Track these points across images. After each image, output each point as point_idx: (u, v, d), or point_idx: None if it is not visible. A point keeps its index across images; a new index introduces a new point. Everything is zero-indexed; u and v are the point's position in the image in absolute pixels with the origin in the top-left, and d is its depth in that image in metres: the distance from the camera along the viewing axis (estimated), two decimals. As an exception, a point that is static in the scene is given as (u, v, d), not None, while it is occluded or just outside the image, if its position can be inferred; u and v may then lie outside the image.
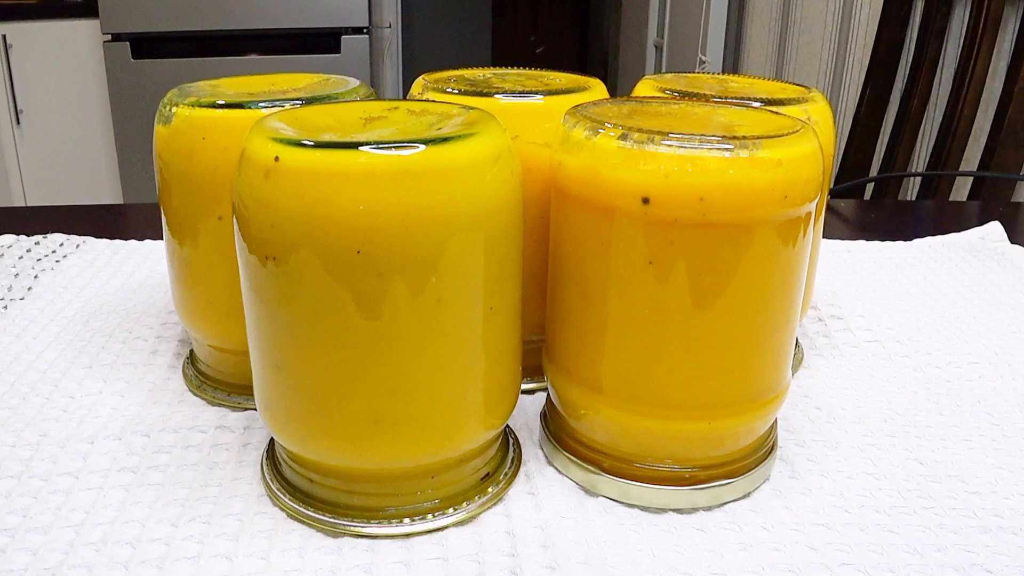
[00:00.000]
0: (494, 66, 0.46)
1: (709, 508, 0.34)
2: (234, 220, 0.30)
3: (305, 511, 0.33)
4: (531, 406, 0.41)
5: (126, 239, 0.62)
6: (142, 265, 0.58)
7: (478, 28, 3.36)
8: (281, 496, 0.34)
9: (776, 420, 0.37)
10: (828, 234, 0.66)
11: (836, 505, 0.34)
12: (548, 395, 0.38)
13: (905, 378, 0.44)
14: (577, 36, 3.77)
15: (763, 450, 0.35)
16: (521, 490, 0.35)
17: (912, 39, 1.19)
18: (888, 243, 0.64)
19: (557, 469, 0.36)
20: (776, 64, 1.94)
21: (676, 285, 0.31)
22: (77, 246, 0.60)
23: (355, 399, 0.30)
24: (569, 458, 0.35)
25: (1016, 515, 0.33)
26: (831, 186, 0.67)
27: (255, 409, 0.34)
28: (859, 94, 1.23)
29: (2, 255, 0.58)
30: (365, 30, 2.20)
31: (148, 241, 0.62)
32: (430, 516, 0.32)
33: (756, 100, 0.39)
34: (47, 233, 0.61)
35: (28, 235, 0.61)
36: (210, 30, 2.14)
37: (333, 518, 0.32)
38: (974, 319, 0.51)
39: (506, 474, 0.35)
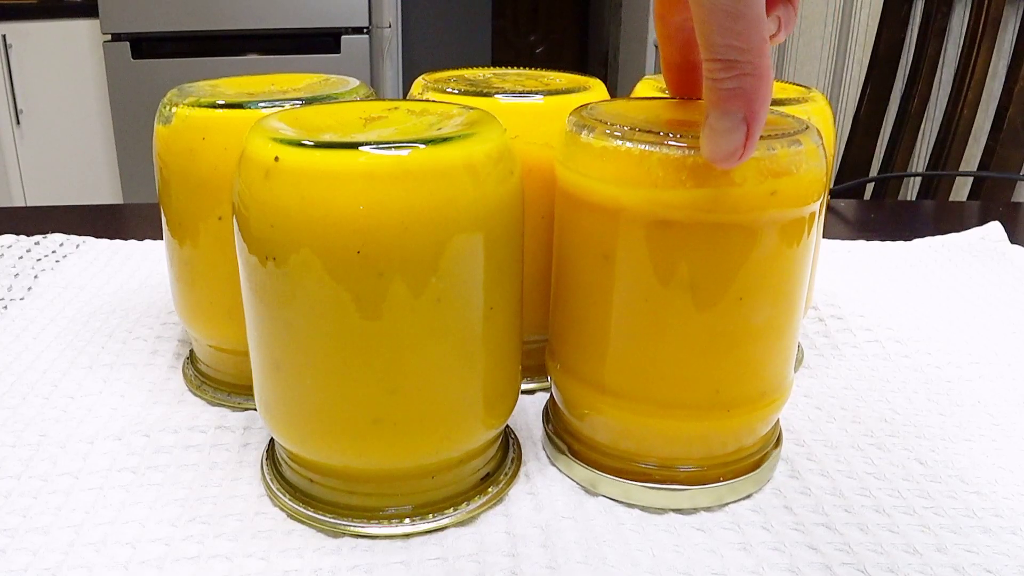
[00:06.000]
0: (494, 66, 0.46)
1: (710, 508, 0.34)
2: (234, 220, 0.30)
3: (305, 511, 0.33)
4: (531, 406, 0.41)
5: (126, 239, 0.62)
6: (142, 265, 0.58)
7: (478, 28, 3.36)
8: (281, 496, 0.34)
9: (779, 421, 0.37)
10: (828, 234, 0.66)
11: (836, 505, 0.34)
12: (551, 395, 0.38)
13: (905, 378, 0.44)
14: (577, 36, 3.77)
15: (766, 451, 0.35)
16: (521, 490, 0.35)
17: (912, 39, 1.19)
18: (888, 243, 0.64)
19: (559, 469, 0.36)
20: (776, 64, 1.94)
21: (680, 286, 0.31)
22: (77, 246, 0.60)
23: (355, 399, 0.30)
24: (571, 458, 0.35)
25: (1016, 515, 0.33)
26: (831, 186, 0.67)
27: (255, 409, 0.34)
28: (859, 94, 1.23)
29: (2, 255, 0.58)
30: (365, 30, 2.20)
31: (148, 241, 0.62)
32: (430, 516, 0.32)
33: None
34: (47, 233, 0.61)
35: (28, 235, 0.61)
36: (210, 30, 2.14)
37: (333, 518, 0.32)
38: (974, 319, 0.51)
39: (506, 474, 0.35)
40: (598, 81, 0.42)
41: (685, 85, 0.36)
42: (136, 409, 0.40)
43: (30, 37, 2.16)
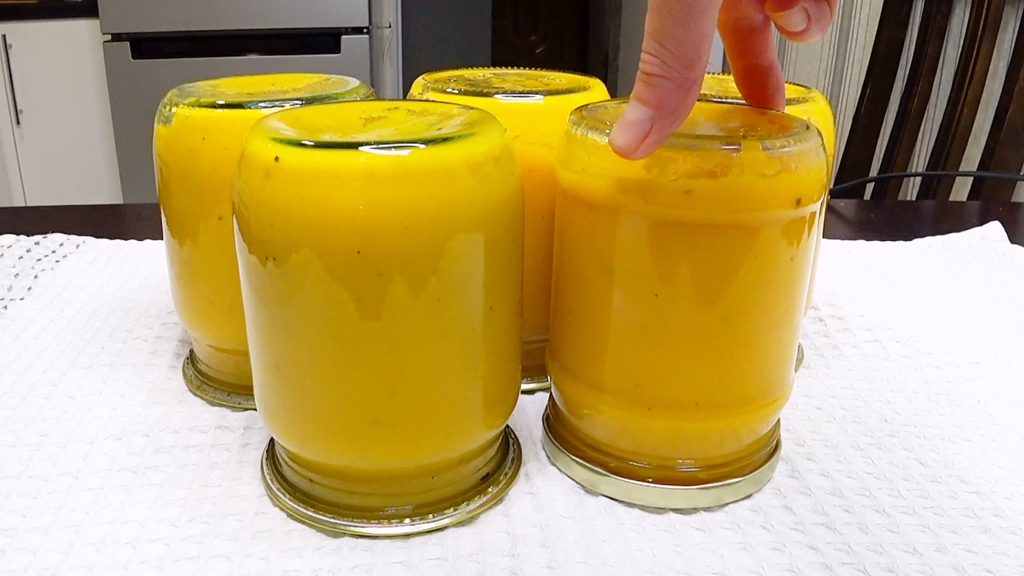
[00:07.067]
0: (494, 66, 0.46)
1: (709, 508, 0.34)
2: (234, 220, 0.30)
3: (305, 511, 0.33)
4: (531, 406, 0.41)
5: (126, 239, 0.62)
6: (142, 265, 0.58)
7: (478, 28, 3.36)
8: (281, 496, 0.34)
9: (779, 422, 0.37)
10: (828, 234, 0.66)
11: (836, 505, 0.34)
12: (551, 394, 0.38)
13: (905, 378, 0.44)
14: (577, 36, 3.77)
15: (766, 451, 0.35)
16: (521, 490, 0.35)
17: (912, 39, 1.19)
18: (888, 243, 0.64)
19: (559, 468, 0.36)
20: (776, 64, 1.93)
21: (680, 285, 0.31)
22: (77, 246, 0.60)
23: (355, 399, 0.30)
24: (571, 457, 0.35)
25: (1016, 515, 0.33)
26: (831, 186, 0.67)
27: (255, 409, 0.34)
28: (859, 94, 1.23)
29: (2, 255, 0.58)
30: (365, 30, 2.20)
31: (148, 241, 0.62)
32: (430, 516, 0.32)
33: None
34: (47, 233, 0.61)
35: (28, 235, 0.61)
36: (210, 30, 2.14)
37: (333, 518, 0.32)
38: (974, 319, 0.51)
39: (506, 474, 0.35)
40: (598, 81, 0.42)
41: (756, 92, 0.35)
42: (136, 409, 0.40)
43: (30, 37, 2.16)
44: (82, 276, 0.56)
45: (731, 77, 0.47)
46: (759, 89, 0.34)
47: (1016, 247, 0.62)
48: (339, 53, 2.20)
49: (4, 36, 2.13)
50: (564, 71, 0.43)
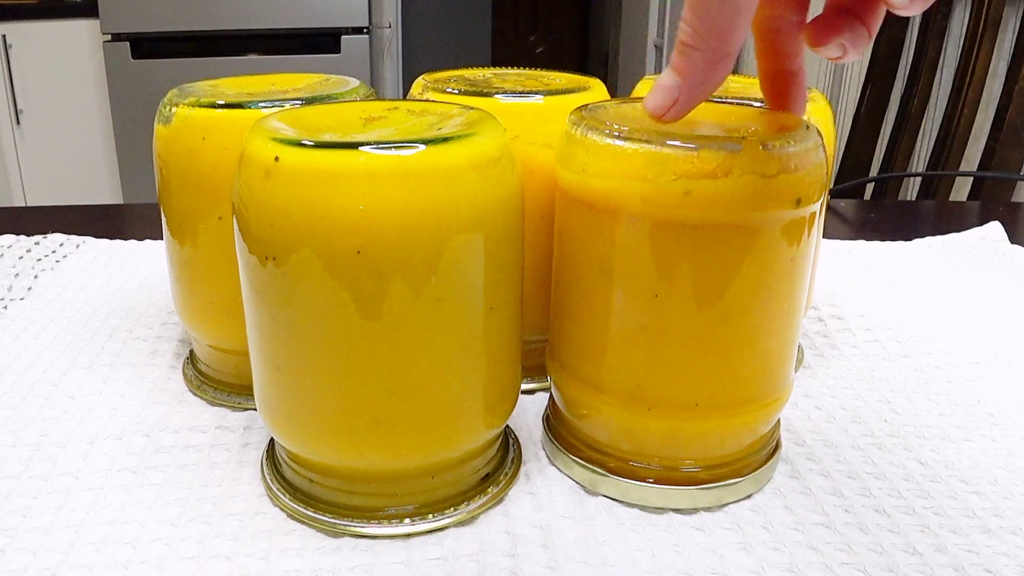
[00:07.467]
0: (494, 66, 0.46)
1: (709, 508, 0.34)
2: (234, 220, 0.30)
3: (305, 511, 0.33)
4: (531, 406, 0.41)
5: (126, 239, 0.62)
6: (142, 265, 0.58)
7: (478, 28, 3.36)
8: (281, 496, 0.34)
9: (779, 422, 0.37)
10: (828, 234, 0.66)
11: (836, 505, 0.34)
12: (551, 394, 0.38)
13: (905, 378, 0.44)
14: (577, 36, 3.77)
15: (766, 451, 0.35)
16: (521, 490, 0.35)
17: (912, 39, 1.19)
18: (888, 243, 0.64)
19: (559, 469, 0.36)
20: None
21: (679, 285, 0.31)
22: (77, 246, 0.60)
23: (355, 399, 0.30)
24: (571, 458, 0.35)
25: (1016, 515, 0.33)
26: (831, 186, 0.67)
27: (255, 409, 0.34)
28: (859, 94, 1.23)
29: (2, 255, 0.58)
30: (365, 30, 2.20)
31: (148, 241, 0.62)
32: (430, 516, 0.32)
33: (757, 100, 0.39)
34: (47, 233, 0.61)
35: (28, 235, 0.61)
36: (210, 30, 2.14)
37: (333, 518, 0.32)
38: (974, 319, 0.51)
39: (506, 474, 0.35)
40: (598, 81, 0.42)
41: (778, 96, 0.34)
42: (136, 409, 0.40)
43: (30, 37, 2.16)
44: (82, 276, 0.56)
45: (731, 77, 0.47)
46: (782, 93, 0.34)
47: (1016, 247, 0.62)
48: (339, 53, 2.20)
49: (4, 36, 2.13)
50: (564, 71, 0.43)
